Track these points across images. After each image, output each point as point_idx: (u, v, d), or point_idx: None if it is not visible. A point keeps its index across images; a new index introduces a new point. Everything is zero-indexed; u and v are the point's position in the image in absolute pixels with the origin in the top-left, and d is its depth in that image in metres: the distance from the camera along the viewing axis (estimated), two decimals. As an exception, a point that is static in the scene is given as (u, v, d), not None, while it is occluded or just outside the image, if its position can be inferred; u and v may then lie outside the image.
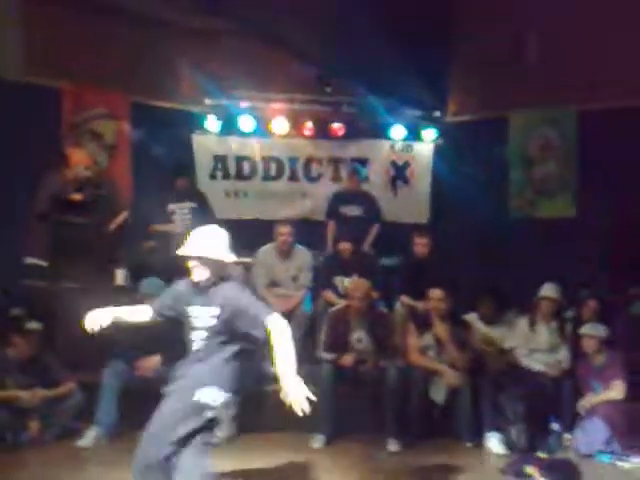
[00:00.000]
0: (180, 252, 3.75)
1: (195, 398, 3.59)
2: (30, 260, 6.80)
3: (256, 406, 5.80)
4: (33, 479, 4.88)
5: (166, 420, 3.58)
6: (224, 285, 3.74)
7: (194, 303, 3.76)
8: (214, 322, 3.68)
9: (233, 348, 3.72)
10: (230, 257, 3.78)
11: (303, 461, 5.23)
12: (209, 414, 3.59)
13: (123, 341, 5.71)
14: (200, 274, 3.74)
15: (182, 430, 3.54)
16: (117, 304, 6.09)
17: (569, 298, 6.55)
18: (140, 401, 5.56)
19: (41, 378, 5.51)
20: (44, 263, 6.79)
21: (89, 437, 5.39)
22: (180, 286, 3.89)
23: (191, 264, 3.74)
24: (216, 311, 3.68)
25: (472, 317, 6.45)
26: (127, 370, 5.62)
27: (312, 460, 5.30)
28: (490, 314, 6.48)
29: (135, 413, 5.55)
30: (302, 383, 3.48)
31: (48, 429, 5.40)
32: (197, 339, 3.72)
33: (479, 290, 6.73)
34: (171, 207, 6.98)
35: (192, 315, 3.76)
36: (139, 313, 3.99)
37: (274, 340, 3.58)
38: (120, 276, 6.62)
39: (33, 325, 5.64)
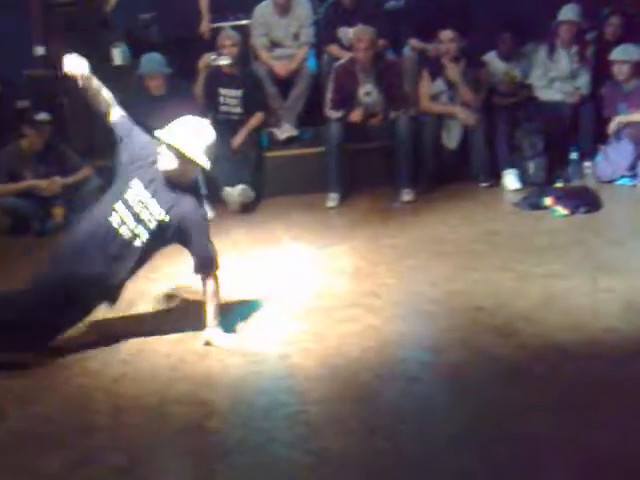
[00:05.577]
0: (160, 134, 3.38)
1: None
2: (35, 50, 6.60)
3: (264, 172, 5.88)
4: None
5: None
6: (185, 194, 3.44)
7: (143, 180, 3.46)
8: (153, 224, 3.43)
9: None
10: (206, 164, 3.43)
11: (317, 220, 5.37)
12: None
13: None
14: (168, 163, 3.40)
15: None
16: (119, 84, 6.12)
17: (590, 18, 6.16)
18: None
19: (58, 167, 5.60)
20: (43, 51, 6.61)
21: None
22: (149, 146, 3.50)
23: (160, 149, 3.40)
24: (160, 215, 3.42)
25: (490, 56, 6.20)
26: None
27: (326, 218, 5.45)
28: (509, 50, 6.19)
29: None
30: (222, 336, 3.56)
31: (72, 215, 5.56)
32: (127, 220, 3.43)
33: (496, 26, 6.36)
34: None
35: (134, 187, 3.46)
36: (108, 100, 3.57)
37: (204, 296, 3.52)
38: (118, 55, 6.40)
39: (42, 116, 5.62)
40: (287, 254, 4.74)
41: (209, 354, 3.52)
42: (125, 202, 3.47)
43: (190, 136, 3.40)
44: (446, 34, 5.84)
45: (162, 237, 3.49)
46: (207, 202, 5.57)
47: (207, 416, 3.03)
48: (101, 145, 5.88)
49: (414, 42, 6.38)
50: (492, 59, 6.21)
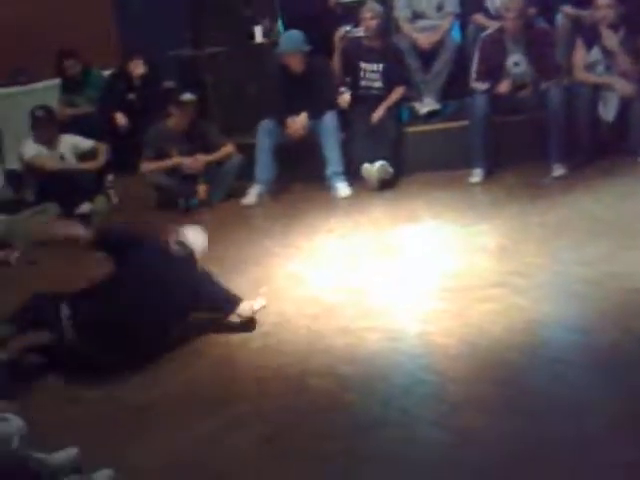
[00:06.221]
0: None
1: None
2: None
3: (404, 148, 5.74)
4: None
5: None
6: None
7: None
8: None
9: None
10: None
11: (460, 197, 5.15)
12: None
13: (272, 100, 5.75)
14: None
15: None
16: (259, 63, 6.18)
17: None
18: (295, 156, 5.73)
19: (201, 145, 5.69)
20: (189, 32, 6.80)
21: (252, 195, 5.60)
22: None
23: None
24: None
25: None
26: (278, 127, 5.65)
27: (470, 195, 5.23)
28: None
29: (292, 168, 5.77)
30: None
31: (214, 191, 5.67)
32: None
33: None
34: None
35: None
36: None
37: None
38: (259, 33, 6.45)
39: (187, 96, 5.73)
40: (427, 232, 4.60)
41: (348, 330, 3.47)
42: None
43: None
44: (603, 0, 5.46)
45: None
46: (345, 179, 5.57)
47: (346, 390, 3.02)
48: (242, 123, 5.99)
49: (567, 9, 6.02)
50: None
